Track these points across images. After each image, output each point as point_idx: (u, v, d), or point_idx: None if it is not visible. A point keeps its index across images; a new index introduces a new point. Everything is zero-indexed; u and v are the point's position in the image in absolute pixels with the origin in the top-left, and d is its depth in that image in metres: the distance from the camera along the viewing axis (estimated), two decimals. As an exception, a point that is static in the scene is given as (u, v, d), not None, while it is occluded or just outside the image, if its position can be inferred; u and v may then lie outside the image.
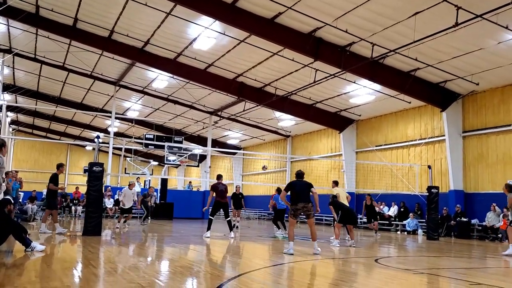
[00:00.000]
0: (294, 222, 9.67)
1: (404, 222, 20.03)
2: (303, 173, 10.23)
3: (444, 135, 19.28)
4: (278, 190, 16.43)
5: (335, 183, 14.58)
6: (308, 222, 9.78)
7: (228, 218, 13.44)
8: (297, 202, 9.60)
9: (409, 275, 7.33)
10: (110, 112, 27.55)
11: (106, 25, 18.67)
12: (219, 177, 13.70)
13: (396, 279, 7.03)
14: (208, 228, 13.17)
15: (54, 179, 12.66)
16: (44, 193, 23.81)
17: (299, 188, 9.77)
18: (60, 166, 12.91)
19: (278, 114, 25.53)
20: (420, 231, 18.96)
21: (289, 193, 10.18)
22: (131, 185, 16.43)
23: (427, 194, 16.71)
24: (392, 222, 20.88)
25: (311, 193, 9.73)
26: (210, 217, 13.33)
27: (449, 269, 8.24)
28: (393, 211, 21.02)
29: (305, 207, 9.52)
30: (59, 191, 13.85)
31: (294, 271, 7.57)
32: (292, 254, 9.05)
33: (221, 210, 13.47)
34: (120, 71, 24.11)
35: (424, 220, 18.11)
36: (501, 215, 16.38)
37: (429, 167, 17.98)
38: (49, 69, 24.84)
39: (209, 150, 28.21)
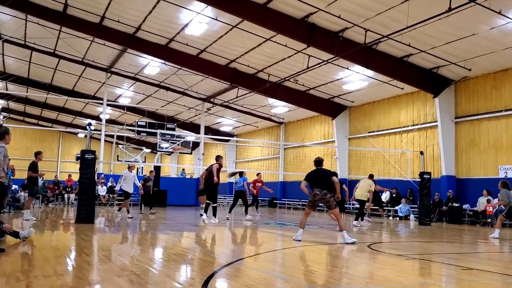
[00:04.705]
0: (309, 213, 9.45)
1: (396, 207, 20.19)
2: (321, 161, 9.78)
3: (436, 121, 19.35)
4: (240, 174, 16.48)
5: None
6: (330, 213, 9.47)
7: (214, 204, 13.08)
8: (316, 190, 9.21)
9: (401, 260, 7.40)
10: (102, 99, 27.35)
11: (96, 10, 18.41)
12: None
13: (388, 265, 7.09)
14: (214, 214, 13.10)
15: (33, 166, 12.67)
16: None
17: (317, 177, 9.38)
18: (38, 154, 12.97)
19: (271, 100, 25.46)
20: (412, 216, 19.13)
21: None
22: (130, 168, 15.63)
23: (419, 180, 16.82)
24: (385, 208, 21.01)
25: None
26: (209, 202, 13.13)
27: (441, 254, 8.33)
28: (385, 196, 21.14)
29: (323, 199, 9.14)
30: (44, 178, 13.90)
31: (287, 257, 7.62)
32: (299, 241, 8.99)
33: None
34: (111, 57, 23.88)
35: (416, 206, 18.25)
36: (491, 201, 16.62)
37: (421, 153, 18.07)
38: (40, 55, 24.54)
39: (202, 137, 28.15)
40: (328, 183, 9.25)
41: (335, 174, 14.24)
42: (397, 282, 5.63)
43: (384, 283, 5.44)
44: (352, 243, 8.91)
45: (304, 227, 9.38)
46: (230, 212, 16.26)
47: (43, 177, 13.49)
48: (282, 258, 7.54)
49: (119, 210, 15.58)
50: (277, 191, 29.97)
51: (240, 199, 16.41)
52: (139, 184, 16.35)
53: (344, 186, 16.76)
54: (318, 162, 9.76)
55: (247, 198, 16.50)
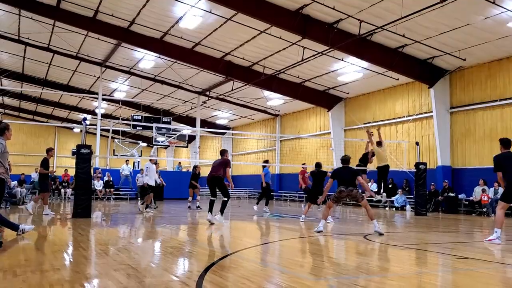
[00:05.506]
0: (331, 206, 9.89)
1: (393, 198, 20.28)
2: (348, 159, 9.85)
3: (431, 112, 19.40)
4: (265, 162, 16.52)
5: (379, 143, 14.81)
6: (362, 205, 9.59)
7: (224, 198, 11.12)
8: (341, 187, 9.47)
9: (397, 250, 7.45)
10: (97, 94, 27.24)
11: (90, 5, 18.28)
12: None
13: (384, 255, 7.15)
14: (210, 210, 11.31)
15: (44, 163, 12.77)
16: (33, 176, 23.75)
17: (341, 177, 9.54)
18: (49, 151, 13.09)
19: (266, 93, 25.43)
20: (408, 207, 19.22)
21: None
22: (152, 161, 15.08)
23: (415, 170, 16.88)
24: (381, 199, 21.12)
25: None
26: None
27: (437, 243, 8.39)
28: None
29: (350, 195, 9.41)
30: (49, 174, 13.96)
31: (284, 248, 7.66)
32: (321, 231, 9.27)
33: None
34: (106, 51, 23.75)
35: (412, 196, 18.34)
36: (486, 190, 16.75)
37: (417, 143, 18.12)
38: (34, 50, 24.36)
39: (198, 130, 28.12)
40: (353, 182, 9.43)
41: (364, 172, 14.47)
42: (393, 272, 5.68)
43: (380, 273, 5.49)
44: (380, 234, 9.05)
45: (326, 219, 9.80)
46: (266, 204, 16.13)
47: (54, 173, 13.63)
48: (279, 249, 7.58)
49: (147, 207, 14.70)
50: (274, 183, 30.03)
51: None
52: (159, 179, 16.01)
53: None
54: (345, 160, 9.81)
55: (267, 190, 16.31)
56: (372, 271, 5.60)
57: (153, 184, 14.79)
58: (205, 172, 21.01)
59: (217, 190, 11.13)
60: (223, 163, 10.91)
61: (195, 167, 17.98)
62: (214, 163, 11.13)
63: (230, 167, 10.94)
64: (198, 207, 16.96)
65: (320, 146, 26.05)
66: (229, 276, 5.07)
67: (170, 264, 5.82)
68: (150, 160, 15.31)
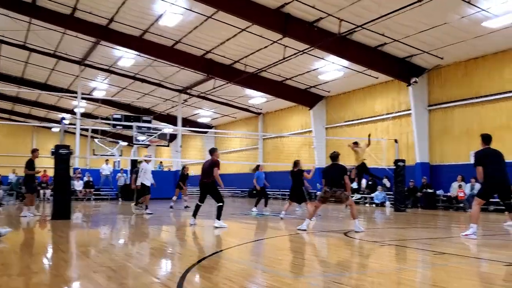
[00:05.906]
0: (319, 206, 9.86)
1: (372, 195, 20.53)
2: (336, 156, 9.66)
3: (410, 109, 19.67)
4: (257, 168, 16.43)
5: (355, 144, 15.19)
6: (347, 204, 9.58)
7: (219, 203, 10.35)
8: (325, 188, 9.44)
9: (376, 247, 7.56)
10: (76, 93, 26.83)
11: (68, 2, 17.99)
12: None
13: (364, 251, 7.24)
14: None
15: (29, 164, 12.54)
16: (10, 177, 23.36)
17: (330, 175, 9.47)
18: (34, 151, 12.91)
19: (248, 91, 25.43)
20: (387, 203, 19.48)
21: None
22: (147, 161, 14.91)
23: (394, 167, 17.10)
24: (361, 195, 21.37)
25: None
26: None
27: (415, 239, 8.53)
28: (363, 183, 21.45)
29: (333, 196, 9.38)
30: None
31: (266, 247, 7.70)
32: (305, 230, 9.28)
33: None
34: (84, 50, 23.40)
35: (392, 193, 18.59)
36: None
37: (396, 141, 18.35)
38: (10, 48, 23.85)
39: (179, 129, 27.94)
40: (339, 182, 9.32)
41: (361, 168, 14.63)
42: (372, 268, 5.76)
43: (360, 270, 5.57)
44: (360, 232, 9.07)
45: (311, 218, 9.83)
46: (266, 205, 15.80)
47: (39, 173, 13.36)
48: (261, 248, 7.62)
49: (136, 204, 14.82)
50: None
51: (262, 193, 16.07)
52: (152, 181, 15.44)
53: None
54: (333, 157, 9.67)
55: (264, 192, 16.04)
56: (352, 268, 5.67)
57: (149, 184, 14.50)
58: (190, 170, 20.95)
59: (209, 196, 10.51)
60: (211, 165, 10.24)
61: (183, 168, 17.87)
62: (204, 164, 10.49)
63: (218, 168, 10.21)
64: (187, 206, 16.65)
65: (302, 144, 26.18)
66: (210, 276, 5.08)
67: (151, 265, 5.79)
68: (145, 160, 15.08)
